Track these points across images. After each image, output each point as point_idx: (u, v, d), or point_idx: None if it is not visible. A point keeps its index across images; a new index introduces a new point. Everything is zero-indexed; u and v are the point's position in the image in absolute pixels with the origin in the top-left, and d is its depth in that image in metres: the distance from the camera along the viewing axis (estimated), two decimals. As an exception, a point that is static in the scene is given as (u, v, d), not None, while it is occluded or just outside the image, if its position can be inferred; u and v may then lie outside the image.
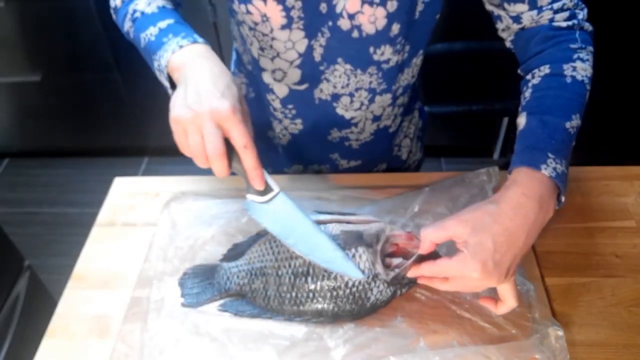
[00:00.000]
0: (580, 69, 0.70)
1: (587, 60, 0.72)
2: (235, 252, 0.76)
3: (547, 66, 0.72)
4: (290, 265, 0.69)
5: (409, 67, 0.82)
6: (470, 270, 0.59)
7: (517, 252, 0.60)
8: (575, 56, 0.71)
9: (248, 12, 0.73)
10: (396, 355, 0.65)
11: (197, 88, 0.61)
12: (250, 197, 0.66)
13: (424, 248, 0.63)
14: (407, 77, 0.84)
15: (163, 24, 0.71)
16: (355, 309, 0.68)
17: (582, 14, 0.74)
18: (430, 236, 0.62)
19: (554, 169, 0.63)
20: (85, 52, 2.02)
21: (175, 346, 0.68)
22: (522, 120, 0.69)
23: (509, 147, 2.14)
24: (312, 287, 0.68)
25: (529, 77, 0.74)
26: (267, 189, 0.65)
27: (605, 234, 0.81)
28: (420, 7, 0.73)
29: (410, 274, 0.65)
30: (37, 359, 0.69)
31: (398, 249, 0.68)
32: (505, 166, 0.90)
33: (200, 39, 0.68)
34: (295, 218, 0.66)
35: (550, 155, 0.64)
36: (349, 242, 0.67)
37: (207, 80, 0.62)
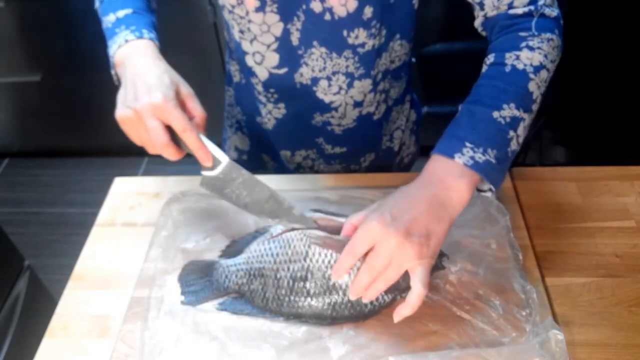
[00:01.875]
0: (525, 57, 0.69)
1: (538, 48, 0.69)
2: (233, 249, 0.76)
3: (493, 55, 0.71)
4: (288, 269, 0.69)
5: (386, 51, 0.82)
6: (369, 221, 0.60)
7: (418, 217, 0.60)
8: (523, 44, 0.70)
9: None
10: (395, 356, 0.65)
11: (133, 86, 0.66)
12: (204, 172, 0.70)
13: (345, 229, 0.66)
14: (386, 62, 0.84)
15: (121, 13, 0.74)
16: (354, 315, 0.69)
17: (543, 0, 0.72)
18: (351, 219, 0.66)
19: (471, 157, 0.63)
20: (85, 52, 2.02)
21: (176, 345, 0.68)
22: (459, 109, 0.70)
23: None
24: (310, 292, 0.68)
25: (483, 65, 0.74)
26: (216, 162, 0.68)
27: (605, 234, 0.81)
28: None
29: (335, 274, 0.64)
30: (37, 358, 0.70)
31: None
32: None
33: (147, 34, 0.72)
34: (249, 183, 0.70)
35: (468, 144, 0.64)
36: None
37: (139, 76, 0.66)
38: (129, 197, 0.90)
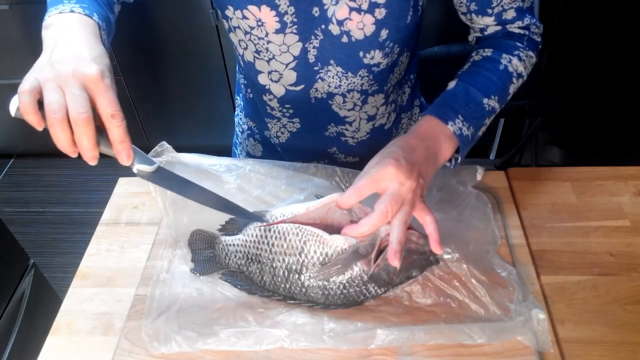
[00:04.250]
0: (515, 64, 0.77)
1: (524, 60, 0.78)
2: (231, 226, 0.76)
3: (490, 50, 0.78)
4: (284, 261, 0.70)
5: (397, 66, 0.84)
6: (385, 165, 0.63)
7: (422, 162, 0.66)
8: (516, 52, 0.78)
9: (244, 17, 0.74)
10: (383, 329, 0.68)
11: (66, 50, 0.56)
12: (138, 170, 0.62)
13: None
14: (397, 75, 0.86)
15: None
16: (346, 304, 0.71)
17: (534, 28, 0.80)
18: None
19: (460, 128, 0.71)
20: (89, 53, 2.03)
21: (182, 302, 0.73)
22: (452, 84, 0.76)
23: (505, 147, 2.15)
24: (305, 284, 0.70)
25: (473, 53, 0.80)
26: (147, 161, 0.61)
27: (600, 233, 0.82)
28: (411, 12, 0.74)
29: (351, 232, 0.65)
30: (42, 355, 0.71)
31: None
32: (501, 166, 0.91)
33: (97, 18, 0.62)
34: (182, 184, 0.65)
35: (460, 117, 0.71)
36: (346, 263, 0.68)
37: (77, 44, 0.57)
38: (132, 197, 0.92)
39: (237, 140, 1.07)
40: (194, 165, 0.78)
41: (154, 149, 0.75)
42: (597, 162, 0.95)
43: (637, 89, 1.79)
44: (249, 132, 1.02)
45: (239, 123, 1.04)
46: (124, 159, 0.58)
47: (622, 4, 1.62)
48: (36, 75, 0.55)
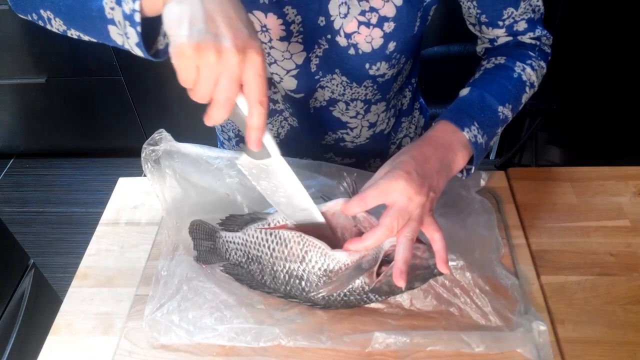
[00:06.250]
0: (528, 73, 0.76)
1: (536, 70, 0.77)
2: (231, 223, 0.74)
3: (504, 58, 0.78)
4: (284, 266, 0.68)
5: (401, 74, 0.84)
6: (395, 177, 0.61)
7: (434, 174, 0.64)
8: (529, 62, 0.77)
9: None
10: (381, 331, 0.67)
11: (216, 12, 0.48)
12: (247, 154, 0.60)
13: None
14: (399, 83, 0.86)
15: None
16: (345, 307, 0.71)
17: (545, 39, 0.80)
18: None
19: (475, 136, 0.69)
20: (89, 54, 2.03)
21: (187, 287, 0.73)
22: (465, 91, 0.75)
23: (505, 147, 2.15)
24: (305, 289, 0.69)
25: (484, 62, 0.80)
26: (264, 152, 0.58)
27: (600, 233, 0.82)
28: (418, 22, 0.74)
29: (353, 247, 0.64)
30: (42, 355, 0.71)
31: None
32: (501, 166, 0.91)
33: None
34: (291, 190, 0.62)
35: (476, 124, 0.69)
36: (349, 278, 0.66)
37: (223, 1, 0.49)
38: (132, 197, 0.92)
39: (224, 147, 1.05)
40: (194, 156, 0.77)
41: (152, 136, 0.74)
42: (597, 162, 0.95)
43: (637, 89, 1.79)
44: (237, 139, 1.00)
45: (223, 130, 1.00)
46: (253, 145, 0.55)
47: (622, 4, 1.62)
48: (187, 46, 0.47)
